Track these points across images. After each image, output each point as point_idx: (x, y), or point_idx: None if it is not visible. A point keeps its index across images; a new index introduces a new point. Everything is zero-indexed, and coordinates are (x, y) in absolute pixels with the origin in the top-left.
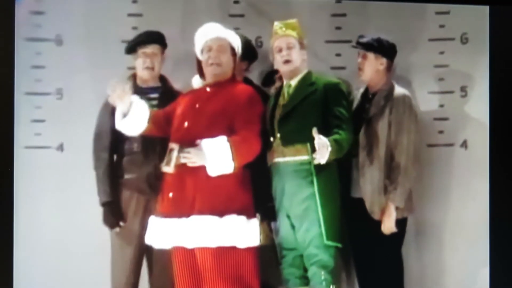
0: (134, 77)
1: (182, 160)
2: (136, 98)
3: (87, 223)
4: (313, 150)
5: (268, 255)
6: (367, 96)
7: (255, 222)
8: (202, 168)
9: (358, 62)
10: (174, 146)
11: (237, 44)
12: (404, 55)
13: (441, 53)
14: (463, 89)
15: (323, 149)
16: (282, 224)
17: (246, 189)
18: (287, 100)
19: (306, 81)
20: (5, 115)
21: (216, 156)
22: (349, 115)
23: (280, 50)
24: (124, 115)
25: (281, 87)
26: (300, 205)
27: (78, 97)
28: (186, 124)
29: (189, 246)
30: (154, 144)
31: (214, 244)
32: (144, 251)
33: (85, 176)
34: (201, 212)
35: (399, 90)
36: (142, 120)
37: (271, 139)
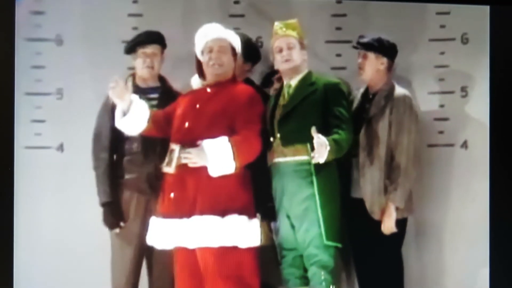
0: (133, 77)
1: (183, 161)
2: (136, 97)
3: (87, 223)
4: (313, 150)
5: (268, 255)
6: (367, 96)
7: (256, 222)
8: (203, 169)
9: (358, 62)
10: (174, 146)
11: (238, 44)
12: (404, 55)
13: (442, 53)
14: (463, 89)
15: (321, 148)
16: (282, 224)
17: (247, 189)
18: (287, 100)
19: (306, 81)
20: (5, 115)
21: (218, 156)
22: (349, 115)
23: (281, 50)
24: (124, 114)
25: (281, 87)
26: (300, 205)
27: (78, 97)
28: (186, 124)
29: (191, 246)
30: (154, 144)
31: (215, 244)
32: (144, 252)
33: (85, 176)
34: (203, 212)
35: (399, 90)
36: (142, 119)
37: (271, 139)
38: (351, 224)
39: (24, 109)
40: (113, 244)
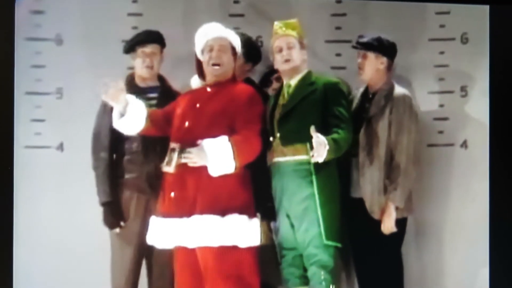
0: (132, 77)
1: (183, 160)
2: (132, 97)
3: (87, 223)
4: (312, 149)
5: (268, 255)
6: (367, 95)
7: (256, 222)
8: (203, 168)
9: (358, 62)
10: (174, 146)
11: (238, 44)
12: (404, 55)
13: (441, 53)
14: (463, 89)
15: (320, 147)
16: (282, 224)
17: (247, 189)
18: (287, 100)
19: (306, 81)
20: (5, 114)
21: (218, 156)
22: (349, 114)
23: (280, 50)
24: (122, 115)
25: (280, 87)
26: (299, 204)
27: (78, 96)
28: (186, 124)
29: (191, 246)
30: (154, 143)
31: (216, 244)
32: (144, 252)
33: (85, 176)
34: (203, 211)
35: (399, 90)
36: (139, 119)
37: (271, 138)
38: (350, 224)
39: (24, 109)
40: (113, 244)
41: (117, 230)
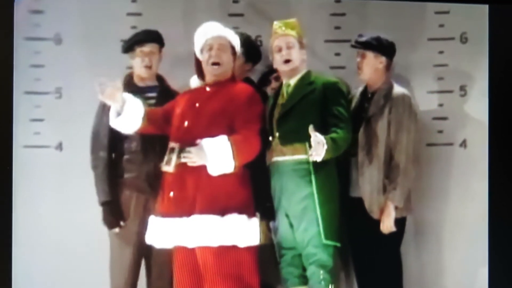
0: (130, 76)
1: (183, 160)
2: (129, 96)
3: (86, 223)
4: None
5: (267, 255)
6: (366, 95)
7: (255, 221)
8: (203, 168)
9: (357, 61)
10: (174, 145)
11: (237, 43)
12: (403, 54)
13: (441, 52)
14: (462, 88)
15: (319, 146)
16: (281, 223)
17: (246, 188)
18: (286, 99)
19: (305, 81)
20: (4, 114)
21: (217, 155)
22: (348, 114)
23: (280, 50)
24: (118, 113)
25: (280, 86)
26: (298, 204)
27: (77, 96)
28: (186, 123)
29: (191, 245)
30: (154, 143)
31: (215, 243)
32: (143, 251)
33: (84, 175)
34: (203, 211)
35: (398, 89)
36: (136, 117)
37: (270, 138)
38: (350, 223)
39: (23, 108)
40: (112, 244)
41: (117, 229)
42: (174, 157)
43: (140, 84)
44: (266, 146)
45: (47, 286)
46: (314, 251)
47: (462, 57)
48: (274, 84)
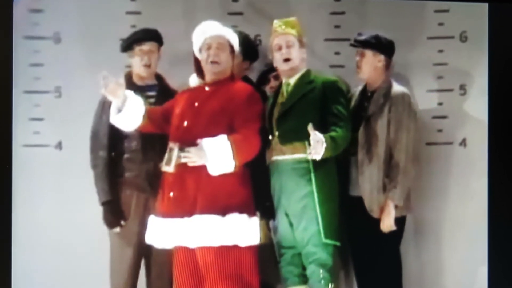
0: (129, 75)
1: (183, 160)
2: (131, 93)
3: (86, 222)
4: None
5: (267, 254)
6: (366, 94)
7: (255, 220)
8: (203, 167)
9: (356, 60)
10: (174, 145)
11: (236, 42)
12: (403, 53)
13: (440, 51)
14: (462, 87)
15: (318, 145)
16: (281, 222)
17: (246, 187)
18: (286, 98)
19: (305, 79)
20: (3, 113)
21: (217, 155)
22: (347, 113)
23: (280, 48)
24: (119, 110)
25: (279, 85)
26: (298, 203)
27: (77, 95)
28: (185, 123)
29: (191, 245)
30: (154, 142)
31: (216, 243)
32: (143, 251)
33: (84, 174)
34: (203, 211)
35: (397, 88)
36: (137, 115)
37: (270, 137)
38: (349, 222)
39: (22, 107)
40: (112, 243)
41: (118, 229)
42: (174, 157)
43: (139, 83)
44: (265, 145)
45: (47, 285)
46: (313, 250)
47: (461, 56)
48: (273, 83)
